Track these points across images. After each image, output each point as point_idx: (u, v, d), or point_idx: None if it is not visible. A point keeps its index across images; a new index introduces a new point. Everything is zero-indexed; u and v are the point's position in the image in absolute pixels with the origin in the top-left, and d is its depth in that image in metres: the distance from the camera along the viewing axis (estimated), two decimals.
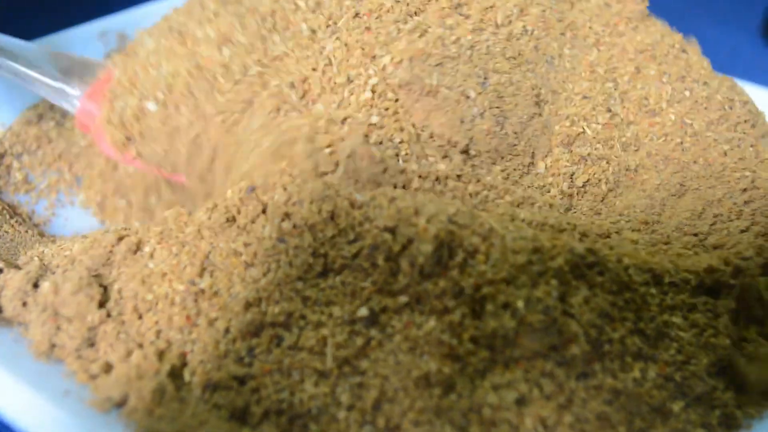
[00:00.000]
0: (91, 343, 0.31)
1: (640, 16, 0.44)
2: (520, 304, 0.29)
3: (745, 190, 0.39)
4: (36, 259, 0.34)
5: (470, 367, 0.29)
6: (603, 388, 0.29)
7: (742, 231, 0.37)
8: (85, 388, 0.30)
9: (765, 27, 0.75)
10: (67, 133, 0.46)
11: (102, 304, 0.32)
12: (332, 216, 0.31)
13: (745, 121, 0.41)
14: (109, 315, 0.31)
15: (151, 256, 0.32)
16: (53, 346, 0.31)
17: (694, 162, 0.40)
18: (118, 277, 0.32)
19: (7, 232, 0.39)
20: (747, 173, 0.40)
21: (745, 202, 0.39)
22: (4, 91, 0.46)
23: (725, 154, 0.40)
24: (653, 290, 0.32)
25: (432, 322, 0.29)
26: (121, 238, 0.33)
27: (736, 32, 0.75)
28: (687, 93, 0.42)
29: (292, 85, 0.36)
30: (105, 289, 0.32)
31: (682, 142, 0.40)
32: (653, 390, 0.30)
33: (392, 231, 0.30)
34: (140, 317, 0.31)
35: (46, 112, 0.46)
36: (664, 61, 0.42)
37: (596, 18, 0.43)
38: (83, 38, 0.52)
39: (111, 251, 0.33)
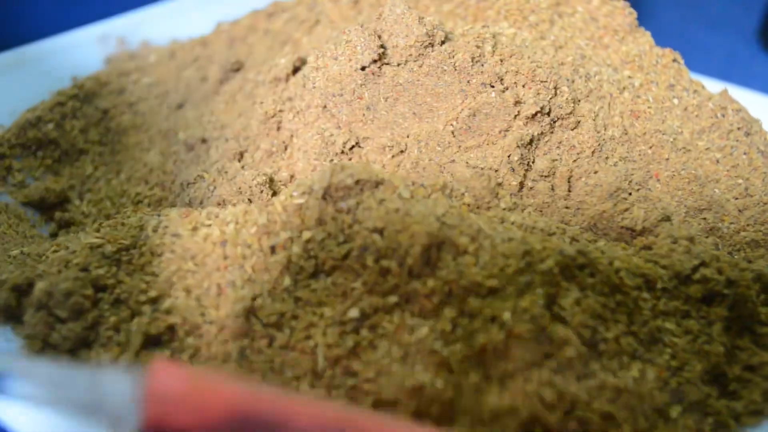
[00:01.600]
0: (85, 344, 0.31)
1: (629, 28, 0.43)
2: (506, 315, 0.29)
3: (737, 198, 0.39)
4: (31, 258, 0.34)
5: (465, 387, 0.28)
6: (605, 387, 0.29)
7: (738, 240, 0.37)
8: None
9: (761, 32, 0.75)
10: (66, 134, 0.45)
11: (96, 305, 0.31)
12: (319, 222, 0.31)
13: (738, 129, 0.41)
14: (102, 315, 0.31)
15: (145, 258, 0.32)
16: (48, 345, 0.31)
17: (683, 169, 0.39)
18: (112, 278, 0.32)
19: (5, 233, 0.39)
20: (740, 181, 0.39)
21: (739, 210, 0.38)
22: (3, 93, 0.46)
23: (717, 162, 0.40)
24: (645, 295, 0.31)
25: (424, 330, 0.29)
26: (114, 241, 0.32)
27: (733, 37, 0.75)
28: (676, 101, 0.41)
29: None
30: (99, 289, 0.32)
31: (670, 151, 0.40)
32: (654, 391, 0.29)
33: (381, 232, 0.30)
34: (134, 318, 0.31)
35: (45, 113, 0.45)
36: (652, 70, 0.42)
37: (579, 33, 0.43)
38: (81, 42, 0.51)
39: (106, 252, 0.32)
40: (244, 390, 0.25)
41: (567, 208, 0.37)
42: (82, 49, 0.51)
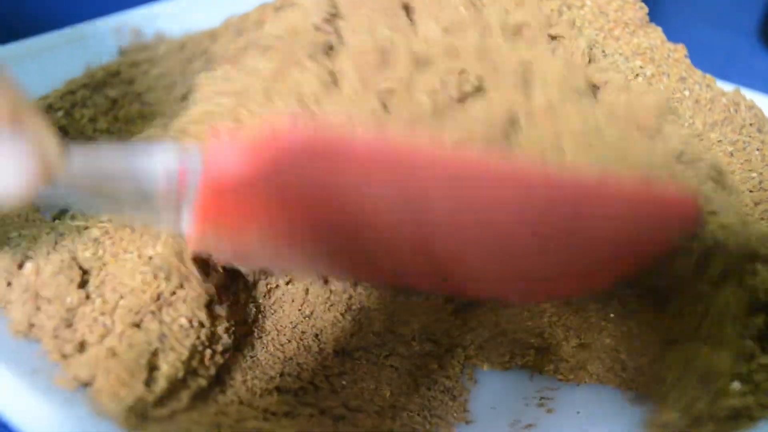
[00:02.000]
0: (69, 324, 0.31)
1: (640, 23, 0.42)
2: None
3: (751, 191, 0.38)
4: (26, 241, 0.34)
5: None
6: None
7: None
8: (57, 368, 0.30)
9: (762, 29, 0.74)
10: (75, 122, 0.46)
11: (82, 287, 0.31)
12: None
13: (751, 125, 0.40)
14: (88, 297, 0.31)
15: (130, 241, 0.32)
16: (32, 325, 0.31)
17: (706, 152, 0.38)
18: (98, 261, 0.32)
19: (7, 215, 0.39)
20: (754, 174, 0.38)
21: (755, 203, 0.37)
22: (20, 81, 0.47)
23: (731, 154, 0.39)
24: None
25: None
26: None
27: (733, 35, 0.74)
28: (687, 93, 0.40)
29: None
30: (86, 272, 0.32)
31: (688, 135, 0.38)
32: None
33: None
34: (119, 301, 0.31)
35: (56, 101, 0.46)
36: (663, 63, 0.41)
37: (589, 24, 0.42)
38: (96, 34, 0.52)
39: (92, 235, 0.33)
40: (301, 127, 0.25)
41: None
42: (97, 40, 0.52)
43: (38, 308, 0.31)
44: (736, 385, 0.30)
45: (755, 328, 0.31)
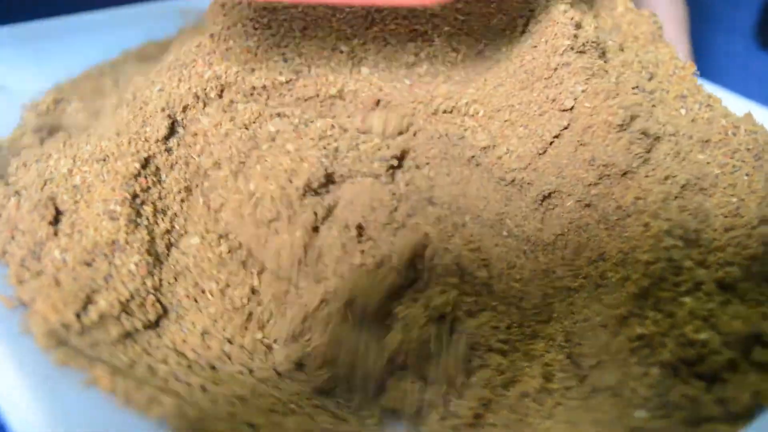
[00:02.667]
0: (37, 257, 0.34)
1: (651, 37, 0.41)
2: None
3: (726, 216, 0.36)
4: (21, 180, 0.38)
5: None
6: None
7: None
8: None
9: (757, 30, 0.72)
10: (120, 91, 0.50)
11: (53, 224, 0.35)
12: None
13: (748, 150, 0.38)
14: (56, 234, 0.35)
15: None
16: (4, 252, 0.35)
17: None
18: (74, 205, 0.35)
19: None
20: (734, 200, 0.36)
21: (726, 229, 0.36)
22: (76, 51, 0.51)
23: (716, 176, 0.37)
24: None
25: None
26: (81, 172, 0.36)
27: (728, 36, 0.71)
28: (683, 111, 0.39)
29: None
30: (61, 213, 0.35)
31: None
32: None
33: None
34: (81, 239, 0.34)
35: (106, 70, 0.50)
36: (665, 80, 0.40)
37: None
38: (163, 13, 0.56)
39: (74, 182, 0.36)
40: None
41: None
42: (160, 19, 0.56)
43: (13, 238, 0.35)
44: (640, 413, 0.29)
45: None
